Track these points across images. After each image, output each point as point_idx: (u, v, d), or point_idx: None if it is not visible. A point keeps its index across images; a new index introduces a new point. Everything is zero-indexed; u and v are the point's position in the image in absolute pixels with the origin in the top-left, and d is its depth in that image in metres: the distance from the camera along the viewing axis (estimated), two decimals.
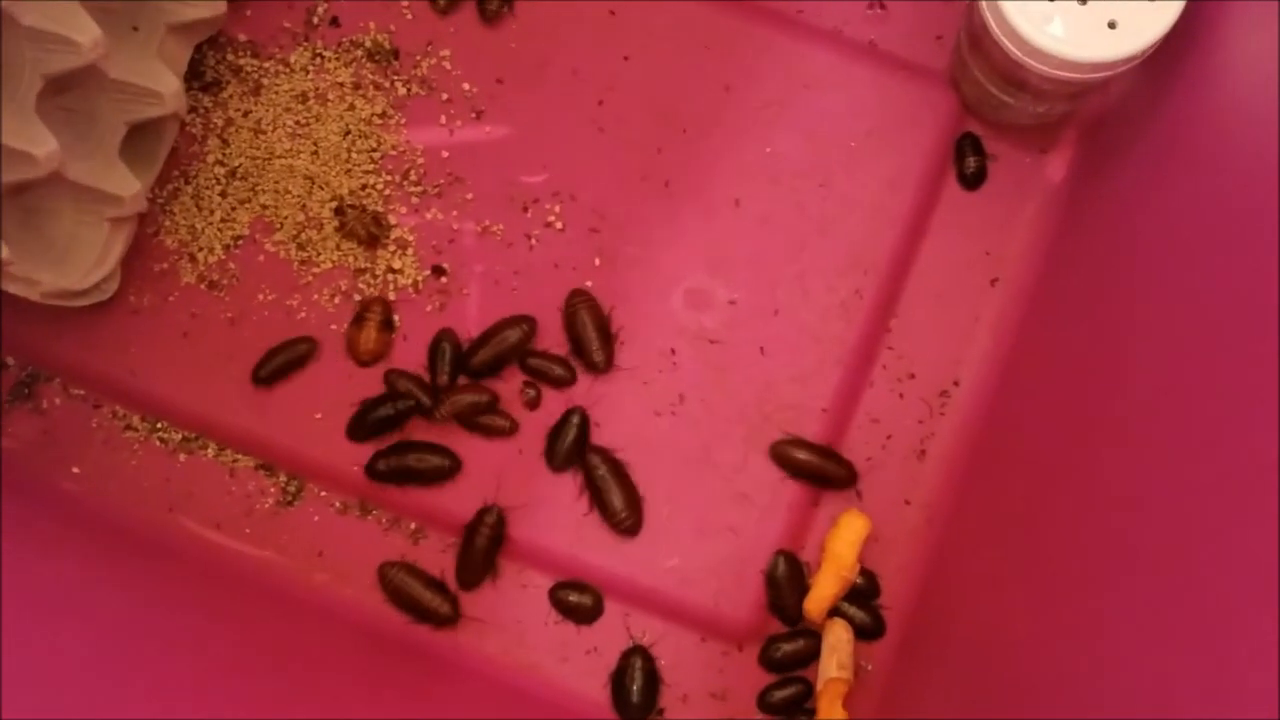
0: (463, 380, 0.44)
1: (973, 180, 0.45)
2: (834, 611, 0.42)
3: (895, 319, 0.44)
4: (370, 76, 0.45)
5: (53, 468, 0.43)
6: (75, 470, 0.44)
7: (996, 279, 0.45)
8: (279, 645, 0.40)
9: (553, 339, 0.43)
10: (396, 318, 0.44)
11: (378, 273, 0.45)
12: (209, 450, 0.44)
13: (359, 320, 0.44)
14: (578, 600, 0.42)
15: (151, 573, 0.41)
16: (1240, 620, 0.25)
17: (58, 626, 0.34)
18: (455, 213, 0.44)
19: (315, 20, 0.46)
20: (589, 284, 0.44)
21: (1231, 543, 0.26)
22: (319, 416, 0.44)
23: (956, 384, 0.44)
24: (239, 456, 0.44)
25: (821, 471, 0.43)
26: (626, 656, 0.41)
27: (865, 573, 0.43)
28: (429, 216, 0.45)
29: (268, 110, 0.45)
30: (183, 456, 0.44)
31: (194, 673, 0.35)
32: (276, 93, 0.45)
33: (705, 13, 0.44)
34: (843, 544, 0.42)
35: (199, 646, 0.37)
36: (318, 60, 0.46)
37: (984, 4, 0.38)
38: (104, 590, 0.38)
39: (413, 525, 0.43)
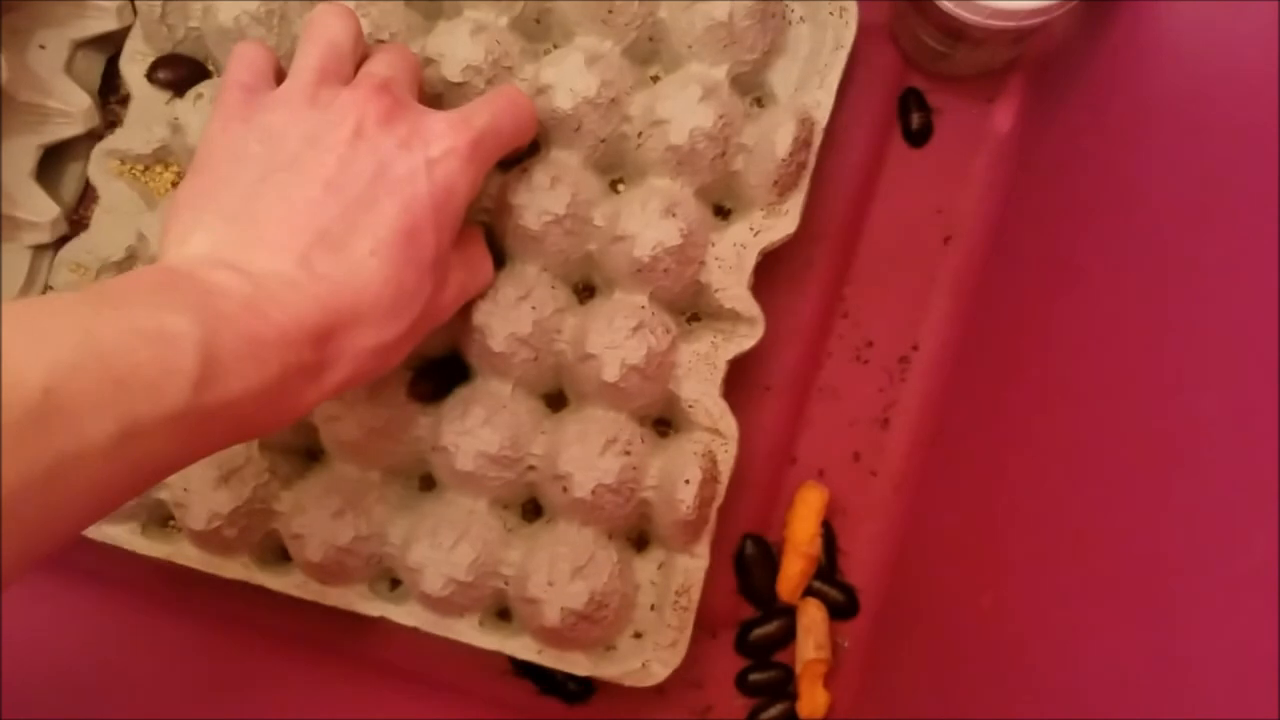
0: None
1: (918, 137, 0.45)
2: (808, 591, 0.41)
3: (849, 286, 0.43)
4: None
5: None
6: None
7: (949, 237, 0.44)
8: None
9: None
10: None
11: None
12: None
13: None
14: None
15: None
16: (1211, 584, 0.24)
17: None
18: None
19: None
20: None
21: (1200, 494, 0.25)
22: None
23: (916, 348, 0.43)
24: None
25: None
26: None
27: (824, 540, 0.41)
28: None
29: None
30: None
31: None
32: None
33: None
34: (798, 519, 0.41)
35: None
36: None
37: None
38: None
39: None
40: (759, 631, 0.41)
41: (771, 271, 0.40)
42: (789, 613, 0.41)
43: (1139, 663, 0.25)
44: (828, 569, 0.42)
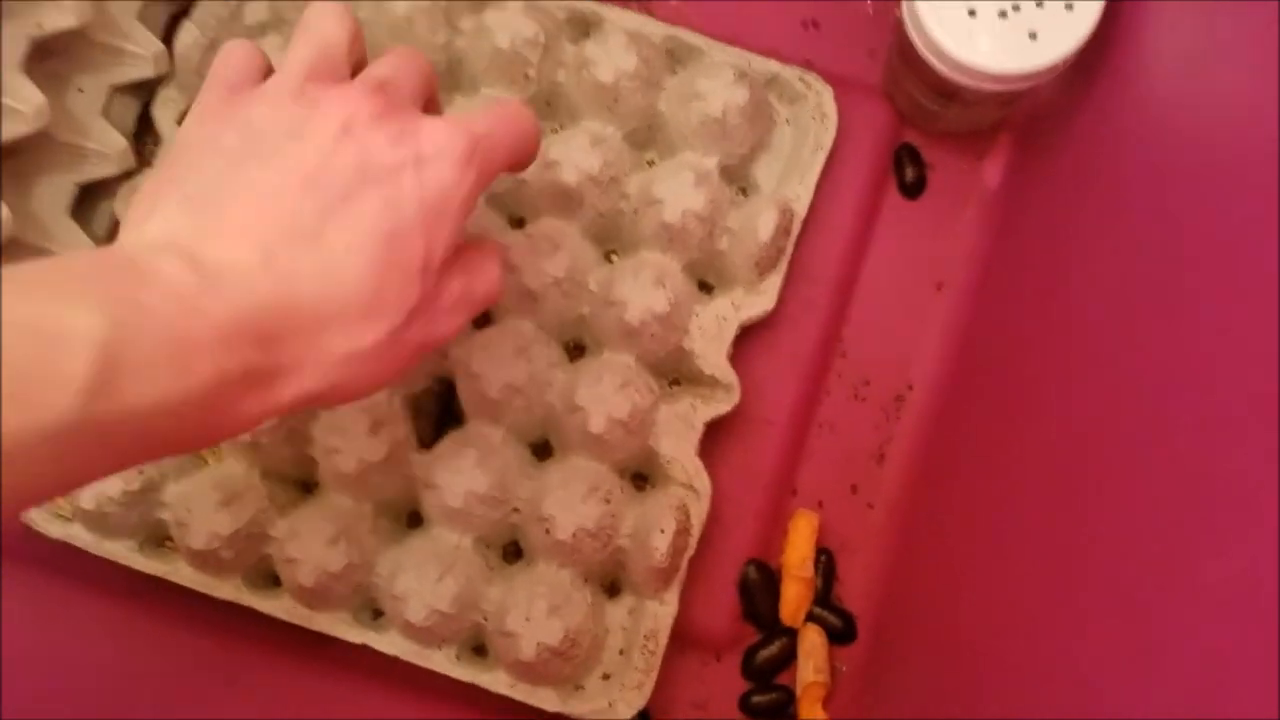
0: None
1: (912, 189, 0.46)
2: (809, 617, 0.43)
3: (847, 327, 0.45)
4: None
5: None
6: None
7: (942, 283, 0.46)
8: None
9: None
10: None
11: None
12: None
13: None
14: None
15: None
16: (1195, 609, 0.26)
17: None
18: None
19: None
20: None
21: (1184, 527, 0.27)
22: None
23: (910, 388, 0.45)
24: None
25: None
26: None
27: (821, 568, 0.44)
28: None
29: None
30: None
31: None
32: None
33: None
34: (792, 545, 0.43)
35: None
36: None
37: (909, 24, 0.39)
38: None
39: None
40: (764, 653, 0.43)
41: (774, 312, 0.42)
42: (790, 635, 0.43)
43: (1134, 688, 0.26)
44: (825, 596, 0.44)
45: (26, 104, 0.39)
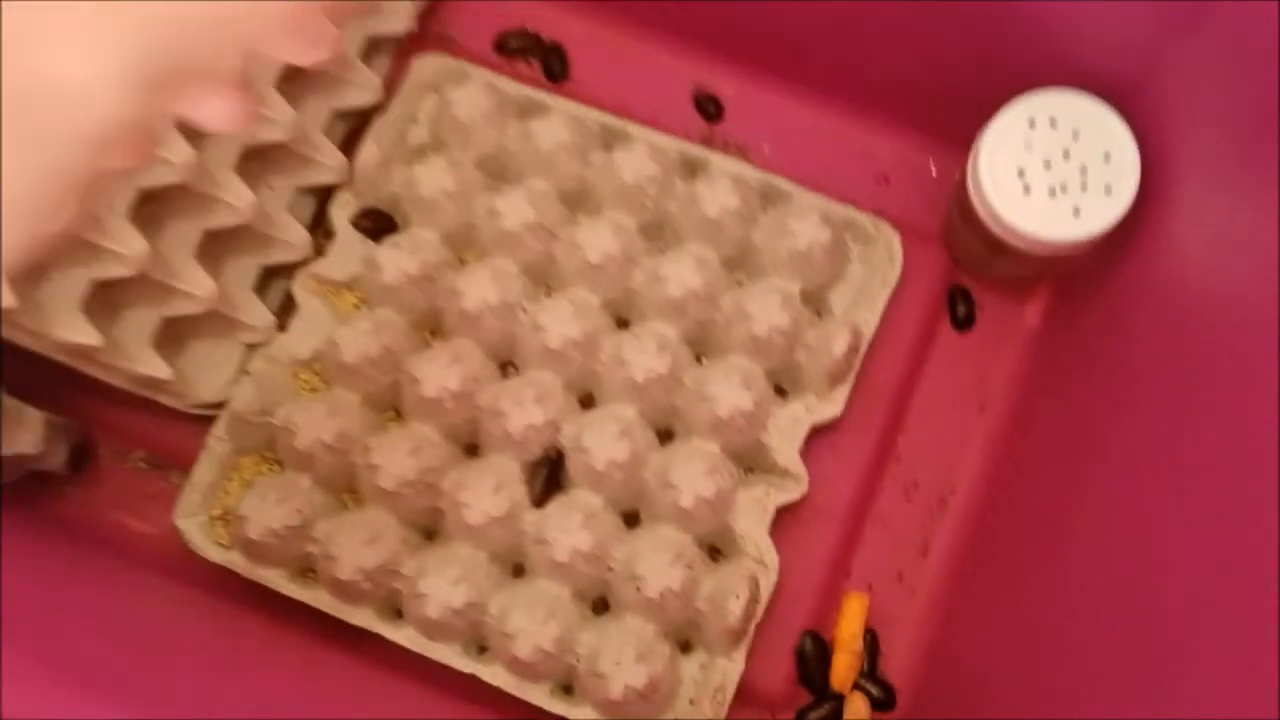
0: None
1: (963, 324, 0.54)
2: (855, 686, 0.50)
3: (902, 436, 0.53)
4: None
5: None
6: None
7: (984, 405, 0.53)
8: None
9: None
10: None
11: None
12: None
13: None
14: None
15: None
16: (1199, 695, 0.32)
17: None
18: None
19: None
20: None
21: (1208, 626, 0.33)
22: None
23: (954, 492, 0.52)
24: None
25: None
26: None
27: (867, 643, 0.50)
28: None
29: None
30: None
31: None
32: None
33: None
34: (844, 621, 0.50)
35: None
36: None
37: (971, 189, 0.47)
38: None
39: None
40: (814, 715, 0.49)
41: (841, 418, 0.49)
42: (838, 700, 0.50)
43: None
44: (870, 668, 0.50)
45: (239, 199, 0.48)
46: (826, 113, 0.55)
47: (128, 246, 0.42)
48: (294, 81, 0.50)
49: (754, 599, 0.46)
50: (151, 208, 0.45)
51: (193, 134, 0.44)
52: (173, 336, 0.48)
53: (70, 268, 0.42)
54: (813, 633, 0.50)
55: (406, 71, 0.54)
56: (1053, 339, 0.53)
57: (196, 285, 0.46)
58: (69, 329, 0.42)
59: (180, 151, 0.43)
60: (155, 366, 0.46)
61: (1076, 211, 0.45)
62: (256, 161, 0.50)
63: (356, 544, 0.46)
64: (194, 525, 0.48)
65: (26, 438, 0.44)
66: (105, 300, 0.44)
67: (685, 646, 0.48)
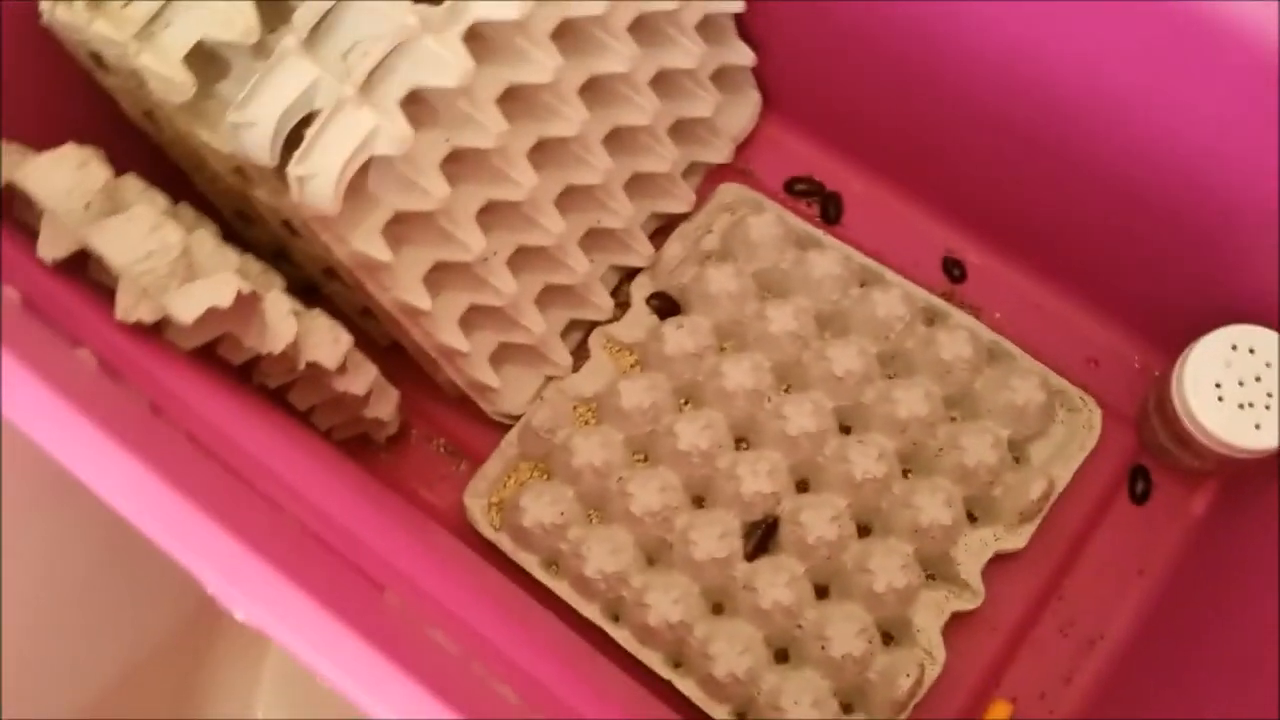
0: None
1: (1139, 499, 0.62)
2: None
3: (1068, 579, 0.61)
4: None
5: None
6: None
7: (1144, 570, 0.61)
8: None
9: None
10: None
11: None
12: None
13: None
14: None
15: None
16: None
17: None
18: None
19: None
20: None
21: None
22: None
23: (1103, 637, 0.60)
24: None
25: None
26: None
27: None
28: None
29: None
30: None
31: None
32: None
33: None
34: None
35: None
36: None
37: (1173, 387, 0.56)
38: None
39: None
40: None
41: (1022, 551, 0.58)
42: None
43: None
44: None
45: (578, 266, 0.60)
46: (1056, 295, 0.65)
47: (505, 285, 0.56)
48: (628, 185, 0.63)
49: (918, 682, 0.55)
50: (517, 259, 0.58)
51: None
52: (500, 358, 0.61)
53: (457, 292, 0.56)
54: None
55: (712, 193, 0.67)
56: (1214, 527, 0.60)
57: (533, 323, 0.59)
58: (452, 338, 0.55)
59: (555, 223, 0.57)
60: (489, 377, 0.59)
61: (1258, 426, 0.54)
62: (589, 239, 0.64)
63: (603, 551, 0.57)
64: (477, 505, 0.61)
65: (386, 407, 0.58)
66: (466, 321, 0.58)
67: (848, 709, 0.57)
